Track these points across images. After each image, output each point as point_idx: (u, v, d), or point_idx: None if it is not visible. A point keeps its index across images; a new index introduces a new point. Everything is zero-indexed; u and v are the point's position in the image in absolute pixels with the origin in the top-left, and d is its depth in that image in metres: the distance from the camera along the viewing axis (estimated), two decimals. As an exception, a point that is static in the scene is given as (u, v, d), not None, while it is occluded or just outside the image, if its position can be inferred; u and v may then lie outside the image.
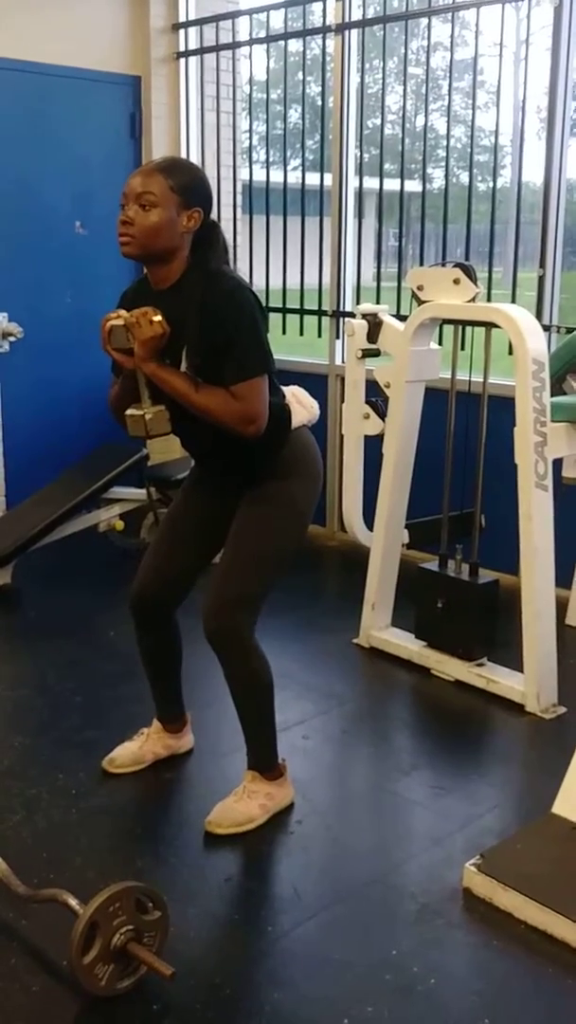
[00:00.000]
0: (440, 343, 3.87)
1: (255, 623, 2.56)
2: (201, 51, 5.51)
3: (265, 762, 2.66)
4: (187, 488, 2.76)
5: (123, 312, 2.40)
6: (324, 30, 4.87)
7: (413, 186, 5.12)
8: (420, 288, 3.54)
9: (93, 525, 4.62)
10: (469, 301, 3.41)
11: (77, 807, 2.71)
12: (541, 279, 4.26)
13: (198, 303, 2.36)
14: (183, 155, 5.60)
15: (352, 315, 4.05)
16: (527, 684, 3.28)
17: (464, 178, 5.21)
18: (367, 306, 3.93)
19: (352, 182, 4.94)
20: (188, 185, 2.38)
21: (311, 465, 2.60)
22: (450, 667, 3.51)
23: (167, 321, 2.35)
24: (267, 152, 5.47)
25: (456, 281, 3.42)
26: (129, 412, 2.46)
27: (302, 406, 2.59)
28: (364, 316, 3.85)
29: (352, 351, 3.93)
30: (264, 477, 2.54)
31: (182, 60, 5.54)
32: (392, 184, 4.91)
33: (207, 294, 2.36)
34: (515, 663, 3.40)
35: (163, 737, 2.95)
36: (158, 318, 2.35)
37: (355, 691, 3.52)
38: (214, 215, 2.50)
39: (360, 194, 4.95)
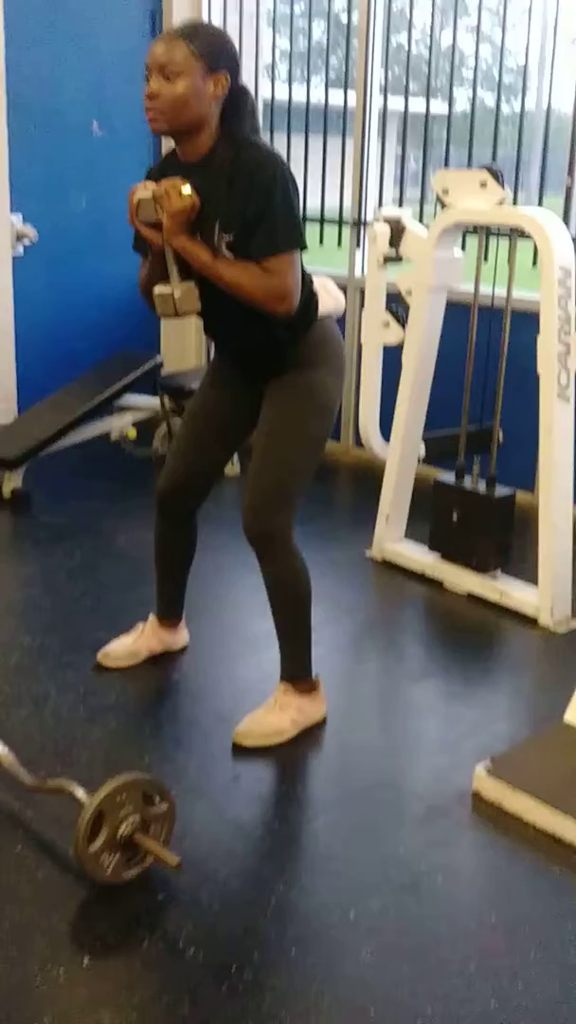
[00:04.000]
0: (463, 252, 3.75)
1: (294, 521, 2.51)
2: (225, -55, 5.28)
3: (299, 673, 2.61)
4: (207, 382, 2.70)
5: (151, 184, 2.30)
6: None
7: (437, 107, 4.94)
8: (445, 191, 3.42)
9: (105, 432, 4.57)
10: (497, 205, 3.29)
11: (85, 704, 2.70)
12: (569, 190, 4.12)
13: (229, 175, 2.26)
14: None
15: (373, 224, 3.93)
16: (541, 597, 3.25)
17: (489, 100, 5.02)
18: (390, 209, 3.80)
19: (376, 101, 4.76)
20: (212, 49, 2.25)
21: (336, 355, 2.52)
22: (464, 580, 3.47)
23: (197, 194, 2.26)
24: (290, 67, 5.27)
25: (483, 184, 3.30)
26: (157, 290, 2.37)
27: (329, 295, 2.51)
28: (387, 220, 3.73)
29: (374, 257, 3.82)
30: (288, 365, 2.47)
31: (205, -45, 5.32)
32: (416, 105, 4.73)
33: (238, 165, 2.26)
34: (529, 578, 3.36)
35: (158, 632, 2.94)
36: (188, 190, 2.25)
37: (367, 602, 3.49)
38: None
39: (384, 114, 4.78)
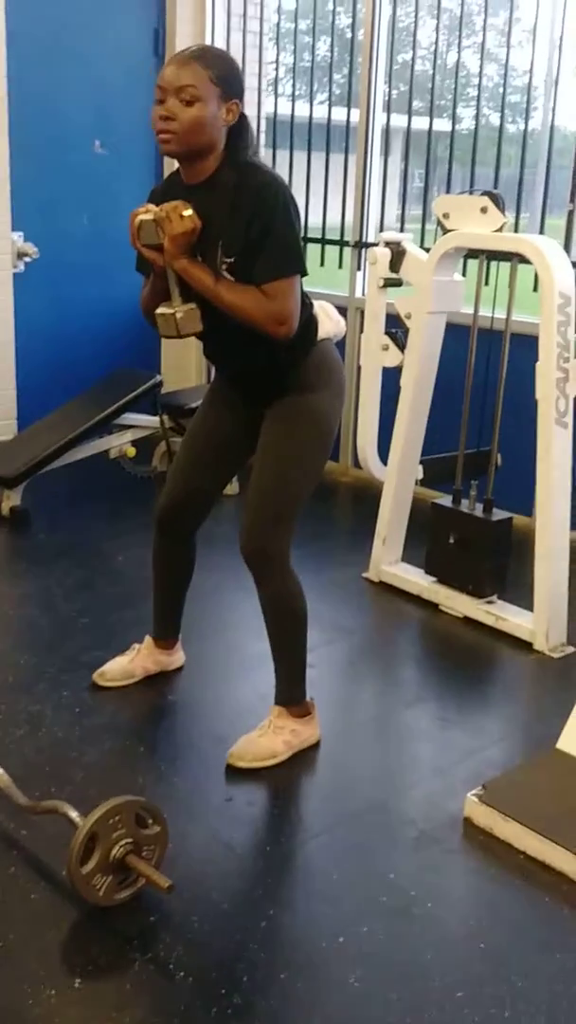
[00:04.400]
0: (464, 276, 3.78)
1: (291, 543, 2.53)
2: (229, -35, 5.33)
3: (293, 697, 2.62)
4: (208, 403, 2.72)
5: (152, 207, 2.32)
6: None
7: (441, 125, 4.99)
8: (446, 216, 3.45)
9: (105, 451, 4.58)
10: (496, 231, 3.32)
11: (80, 724, 2.71)
12: (571, 214, 4.15)
13: (231, 198, 2.29)
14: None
15: (374, 245, 3.96)
16: (536, 622, 3.26)
17: (493, 119, 5.04)
18: (390, 234, 3.83)
19: (379, 119, 4.81)
20: (228, 75, 2.28)
21: (335, 377, 2.54)
22: (459, 603, 3.48)
23: (199, 216, 2.28)
24: (293, 84, 5.32)
25: (484, 209, 3.33)
26: (159, 311, 2.40)
27: (329, 318, 2.53)
28: (387, 244, 3.76)
29: (374, 280, 3.85)
30: (288, 388, 2.49)
31: (209, -26, 5.37)
32: (420, 123, 4.77)
33: (240, 189, 2.28)
34: (524, 603, 3.37)
35: (153, 653, 2.96)
36: (189, 212, 2.27)
37: (363, 624, 3.51)
38: None
39: (387, 131, 4.82)
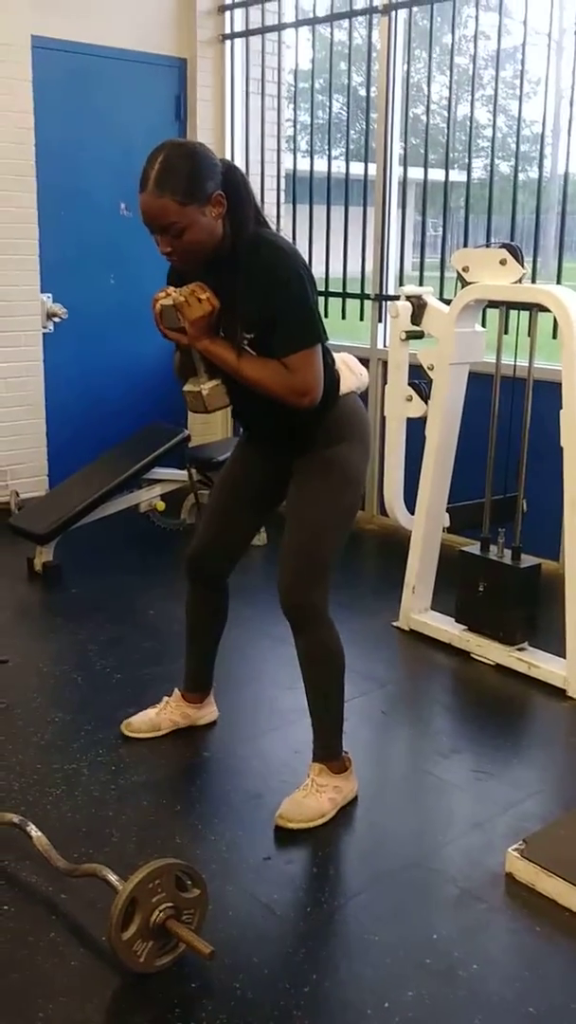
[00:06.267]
0: (484, 326, 3.82)
1: (328, 595, 2.55)
2: (247, 33, 5.48)
3: (332, 753, 2.62)
4: (237, 455, 2.76)
5: (172, 290, 2.37)
6: (371, 11, 4.82)
7: (455, 175, 5.07)
8: (465, 269, 3.50)
9: (134, 505, 4.63)
10: (515, 282, 3.36)
11: (116, 783, 2.72)
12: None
13: (245, 275, 2.32)
14: (227, 140, 5.57)
15: (395, 298, 4.00)
16: (569, 669, 3.24)
17: (504, 168, 5.11)
18: (411, 288, 3.88)
19: (396, 171, 4.89)
20: (193, 185, 2.24)
21: (360, 429, 2.57)
22: (491, 651, 3.47)
23: (217, 294, 2.33)
24: (311, 140, 5.44)
25: (503, 262, 3.38)
26: (186, 389, 2.46)
27: (352, 372, 2.56)
28: (408, 298, 3.81)
29: (396, 333, 3.89)
30: (313, 443, 2.52)
31: (227, 42, 5.52)
32: (435, 174, 4.85)
33: (254, 267, 2.32)
34: (556, 648, 3.36)
35: (181, 706, 2.97)
36: (206, 295, 2.32)
37: (395, 673, 3.50)
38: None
39: (404, 183, 4.90)
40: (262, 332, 2.33)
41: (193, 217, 2.26)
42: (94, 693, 3.26)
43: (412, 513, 3.84)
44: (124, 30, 5.16)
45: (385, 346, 4.79)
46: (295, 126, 5.61)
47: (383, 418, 4.16)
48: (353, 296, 5.08)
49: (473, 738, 3.07)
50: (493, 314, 3.70)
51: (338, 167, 5.07)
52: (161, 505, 4.69)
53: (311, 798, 2.56)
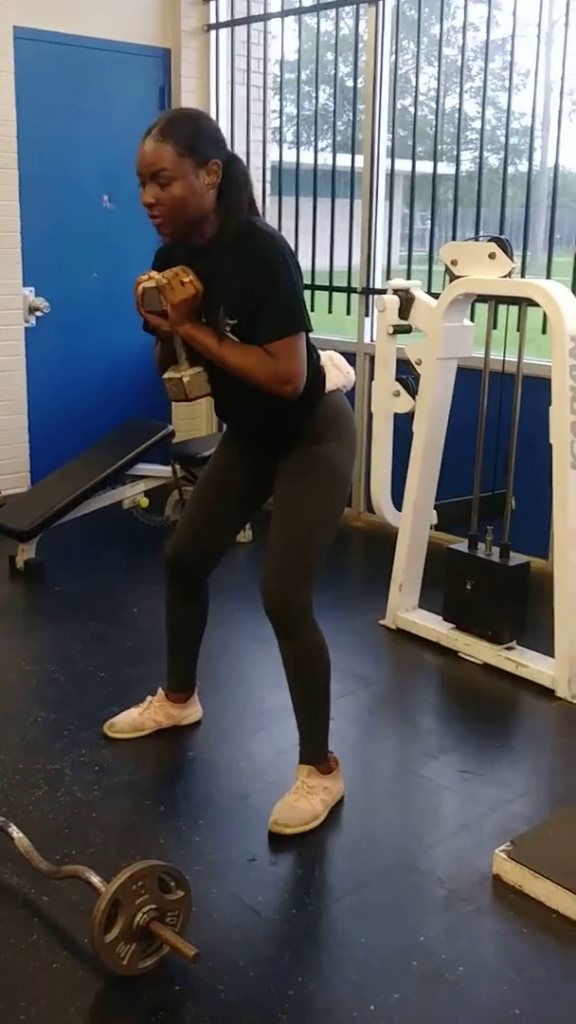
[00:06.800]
0: (472, 321, 3.79)
1: (312, 596, 2.51)
2: (232, 23, 5.43)
3: (319, 755, 2.59)
4: (220, 451, 2.72)
5: (155, 274, 2.34)
6: (358, 0, 4.77)
7: (443, 168, 5.05)
8: (454, 263, 3.46)
9: (118, 501, 4.59)
10: (504, 276, 3.33)
11: (100, 783, 2.68)
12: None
13: (232, 260, 2.29)
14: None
15: (382, 292, 3.97)
16: (558, 668, 3.22)
17: (493, 161, 5.08)
18: (399, 281, 3.85)
19: (383, 164, 4.86)
20: (195, 141, 2.25)
21: (347, 426, 2.53)
22: (479, 650, 3.45)
23: (201, 279, 2.29)
24: (297, 131, 5.39)
25: (492, 255, 3.34)
26: (167, 376, 2.41)
27: (337, 369, 2.53)
28: (396, 291, 3.78)
29: (383, 327, 3.86)
30: (298, 441, 2.48)
31: (212, 32, 5.46)
32: (423, 167, 4.82)
33: (240, 251, 2.28)
34: (545, 647, 3.33)
35: (165, 706, 2.94)
36: (189, 278, 2.29)
37: (381, 672, 3.47)
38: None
39: (391, 176, 4.86)
40: (246, 318, 2.29)
41: (185, 171, 2.24)
42: (77, 692, 3.21)
43: (399, 510, 3.81)
44: (108, 20, 5.10)
45: (372, 340, 4.76)
46: (281, 117, 5.55)
47: (370, 414, 4.13)
48: (340, 290, 5.05)
49: (460, 738, 3.04)
50: (482, 308, 3.67)
51: (324, 159, 5.04)
52: (144, 502, 4.64)
53: (303, 801, 2.52)
